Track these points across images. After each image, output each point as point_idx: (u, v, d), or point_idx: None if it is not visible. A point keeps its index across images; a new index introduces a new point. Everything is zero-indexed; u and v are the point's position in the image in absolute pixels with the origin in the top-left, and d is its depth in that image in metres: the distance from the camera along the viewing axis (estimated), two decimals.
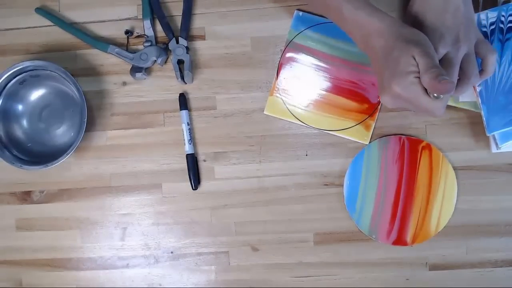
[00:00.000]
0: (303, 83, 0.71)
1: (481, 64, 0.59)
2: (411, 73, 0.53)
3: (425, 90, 0.53)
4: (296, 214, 0.71)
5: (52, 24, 0.74)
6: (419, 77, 0.53)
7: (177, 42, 0.72)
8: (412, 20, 0.61)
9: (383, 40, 0.55)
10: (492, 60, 0.58)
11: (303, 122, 0.71)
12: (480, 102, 0.65)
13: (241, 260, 0.72)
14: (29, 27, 0.75)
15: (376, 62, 0.57)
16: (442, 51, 0.57)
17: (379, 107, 0.70)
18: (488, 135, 0.65)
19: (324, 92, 0.71)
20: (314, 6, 0.68)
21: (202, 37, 0.73)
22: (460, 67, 0.57)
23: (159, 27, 0.73)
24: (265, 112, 0.72)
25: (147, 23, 0.72)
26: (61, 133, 0.74)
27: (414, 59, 0.53)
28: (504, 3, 0.66)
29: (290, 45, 0.71)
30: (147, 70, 0.73)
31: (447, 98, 0.54)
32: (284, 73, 0.72)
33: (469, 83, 0.57)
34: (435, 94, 0.52)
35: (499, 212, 0.69)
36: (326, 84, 0.71)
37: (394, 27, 0.55)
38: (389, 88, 0.54)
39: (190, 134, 0.72)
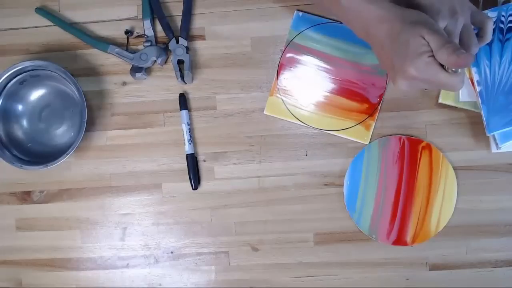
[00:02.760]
0: (303, 83, 0.71)
1: (479, 33, 0.60)
2: (424, 53, 0.52)
3: (442, 66, 0.53)
4: (296, 214, 0.71)
5: (52, 24, 0.74)
6: (432, 56, 0.53)
7: (177, 42, 0.72)
8: (406, 0, 0.61)
9: (387, 26, 0.55)
10: (489, 26, 0.59)
11: (303, 122, 0.71)
12: (480, 102, 0.65)
13: (241, 260, 0.72)
14: (29, 27, 0.75)
15: (382, 49, 0.56)
16: (441, 25, 0.56)
17: (379, 107, 0.70)
18: (488, 135, 0.65)
19: (324, 92, 0.71)
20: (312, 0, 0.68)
21: (202, 37, 0.73)
22: (459, 39, 0.57)
23: (159, 27, 0.73)
24: (265, 112, 0.72)
25: (147, 23, 0.72)
26: (61, 133, 0.74)
27: (424, 39, 0.53)
28: (504, 3, 0.66)
29: (290, 45, 0.71)
30: (147, 70, 0.73)
31: (464, 70, 0.54)
32: (284, 73, 0.72)
33: (470, 53, 0.57)
34: (453, 69, 0.52)
35: (499, 212, 0.69)
36: (326, 84, 0.71)
37: (395, 11, 0.55)
38: (404, 72, 0.54)
39: (190, 134, 0.72)
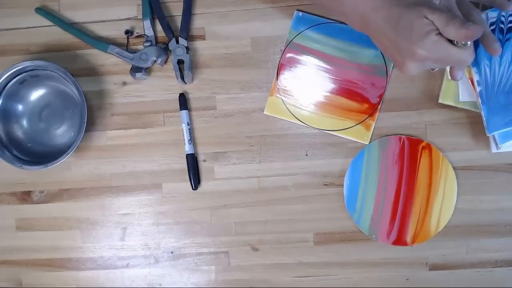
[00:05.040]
0: (303, 83, 0.71)
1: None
2: (431, 32, 0.52)
3: (450, 42, 0.53)
4: (296, 214, 0.71)
5: (52, 24, 0.74)
6: (439, 33, 0.53)
7: (177, 42, 0.72)
8: None
9: (385, 13, 0.55)
10: None
11: (303, 122, 0.71)
12: (480, 102, 0.65)
13: (241, 260, 0.72)
14: (29, 27, 0.75)
15: (384, 37, 0.56)
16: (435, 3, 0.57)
17: (379, 107, 0.70)
18: (488, 135, 0.65)
19: (324, 92, 0.71)
20: None
21: (202, 37, 0.73)
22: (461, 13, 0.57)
23: (159, 27, 0.73)
24: (265, 112, 0.72)
25: (147, 23, 0.72)
26: (61, 133, 0.74)
27: (427, 18, 0.53)
28: None
29: (290, 45, 0.71)
30: (147, 70, 0.73)
31: (472, 42, 0.54)
32: (284, 73, 0.72)
33: (478, 24, 0.57)
34: (463, 42, 0.53)
35: (499, 212, 0.69)
36: (326, 84, 0.71)
37: None
38: (413, 54, 0.54)
39: (190, 134, 0.72)
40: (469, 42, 0.53)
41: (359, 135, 0.70)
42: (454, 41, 0.53)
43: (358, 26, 0.59)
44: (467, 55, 0.54)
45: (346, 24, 0.70)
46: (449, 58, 0.54)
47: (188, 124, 0.72)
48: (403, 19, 0.54)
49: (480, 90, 0.65)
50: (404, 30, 0.54)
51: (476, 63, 0.65)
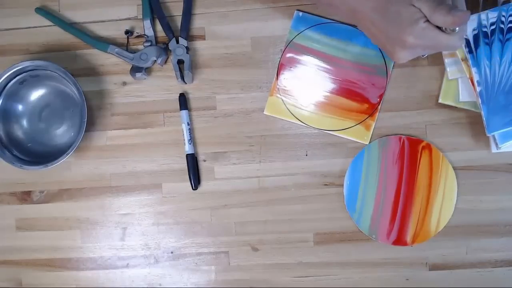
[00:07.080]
0: (303, 83, 0.71)
1: None
2: (419, 19, 0.53)
3: (439, 28, 0.53)
4: (296, 214, 0.71)
5: (52, 24, 0.74)
6: (427, 21, 0.53)
7: (177, 42, 0.72)
8: None
9: (374, 2, 0.55)
10: None
11: (303, 122, 0.71)
12: (480, 102, 0.65)
13: (241, 260, 0.72)
14: (29, 27, 0.75)
15: (374, 27, 0.56)
16: None
17: (379, 107, 0.70)
18: (488, 135, 0.65)
19: (324, 92, 0.71)
20: None
21: (202, 37, 0.73)
22: None
23: (159, 27, 0.73)
24: (265, 112, 0.72)
25: (147, 23, 0.72)
26: (61, 133, 0.74)
27: (414, 6, 0.53)
28: (504, 3, 0.66)
29: (290, 45, 0.71)
30: (147, 70, 0.73)
31: (462, 27, 0.55)
32: (284, 73, 0.72)
33: (465, 10, 0.57)
34: (451, 28, 0.53)
35: (499, 212, 0.69)
36: (326, 84, 0.71)
37: None
38: (403, 42, 0.54)
39: (190, 134, 0.72)
40: (457, 28, 0.53)
41: (359, 135, 0.70)
42: (442, 27, 0.53)
43: (347, 17, 0.59)
44: (456, 40, 0.55)
45: (346, 24, 0.70)
46: (438, 44, 0.54)
47: (188, 124, 0.72)
48: (391, 8, 0.54)
49: (480, 90, 0.65)
50: (393, 19, 0.54)
51: (476, 63, 0.65)
